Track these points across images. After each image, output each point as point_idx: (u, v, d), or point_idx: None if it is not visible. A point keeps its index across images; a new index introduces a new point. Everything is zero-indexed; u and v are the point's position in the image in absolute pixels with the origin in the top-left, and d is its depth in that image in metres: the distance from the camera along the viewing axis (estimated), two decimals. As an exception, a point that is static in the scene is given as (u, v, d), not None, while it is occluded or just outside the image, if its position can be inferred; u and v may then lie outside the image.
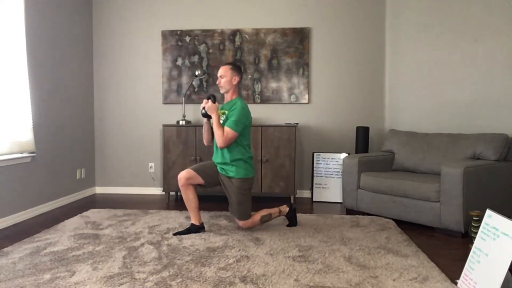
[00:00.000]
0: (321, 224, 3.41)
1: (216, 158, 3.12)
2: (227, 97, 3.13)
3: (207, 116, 3.05)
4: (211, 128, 3.15)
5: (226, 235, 3.05)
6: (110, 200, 4.49)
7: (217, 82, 3.13)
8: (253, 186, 4.29)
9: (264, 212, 3.19)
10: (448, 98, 4.07)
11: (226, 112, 3.05)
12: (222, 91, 3.12)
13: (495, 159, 3.39)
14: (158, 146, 4.90)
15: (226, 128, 2.95)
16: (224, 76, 3.07)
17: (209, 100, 3.02)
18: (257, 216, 3.15)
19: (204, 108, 3.03)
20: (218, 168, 3.11)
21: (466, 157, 3.55)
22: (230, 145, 3.00)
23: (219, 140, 2.94)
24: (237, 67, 3.12)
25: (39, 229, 3.27)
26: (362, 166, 3.84)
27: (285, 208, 3.31)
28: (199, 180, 3.04)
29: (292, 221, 3.33)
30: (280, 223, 3.42)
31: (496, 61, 3.71)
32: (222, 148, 3.00)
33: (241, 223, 3.09)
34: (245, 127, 3.03)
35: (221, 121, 3.02)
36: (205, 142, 3.21)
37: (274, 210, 3.24)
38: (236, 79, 3.09)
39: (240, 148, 3.05)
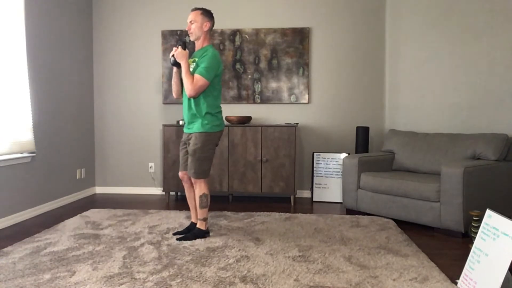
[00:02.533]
0: (321, 224, 3.41)
1: (185, 111, 2.93)
2: (198, 45, 2.94)
3: (176, 64, 2.86)
4: (181, 79, 2.97)
5: (226, 235, 3.05)
6: (110, 200, 4.49)
7: (186, 28, 2.94)
8: (253, 186, 4.29)
9: (209, 196, 2.94)
10: (448, 98, 4.07)
11: (197, 59, 2.88)
12: (192, 38, 2.92)
13: (495, 159, 3.39)
14: (158, 146, 4.90)
15: (196, 75, 2.78)
16: (194, 21, 2.88)
17: (179, 47, 2.83)
18: (206, 189, 2.90)
19: (173, 55, 2.84)
20: (185, 129, 2.95)
21: (466, 157, 3.55)
22: (199, 96, 2.83)
23: (188, 88, 2.77)
24: (208, 12, 2.94)
25: (39, 229, 3.27)
26: (362, 166, 3.84)
27: (205, 225, 2.98)
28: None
29: (189, 237, 2.94)
30: (281, 223, 3.42)
31: (496, 61, 3.71)
32: (191, 97, 2.82)
33: (193, 180, 2.88)
34: (216, 76, 2.86)
35: (191, 69, 2.85)
36: (174, 95, 3.03)
37: (207, 212, 2.96)
38: (207, 25, 2.90)
39: (209, 99, 2.86)
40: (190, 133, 2.91)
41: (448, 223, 3.13)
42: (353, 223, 3.43)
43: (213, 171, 4.35)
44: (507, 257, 1.82)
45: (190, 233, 2.97)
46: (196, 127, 2.87)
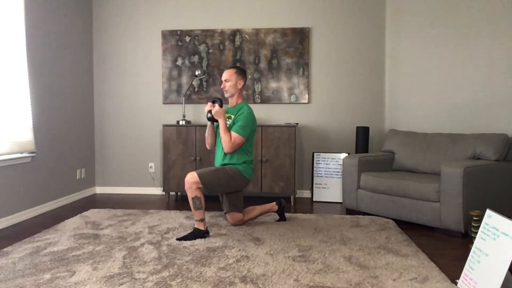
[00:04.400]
0: (321, 224, 3.41)
1: (218, 160, 3.13)
2: (232, 101, 3.13)
3: (213, 120, 3.03)
4: (215, 132, 3.14)
5: (226, 235, 3.05)
6: (110, 200, 4.49)
7: (221, 86, 3.11)
8: (253, 186, 4.29)
9: (203, 200, 2.90)
10: (448, 98, 4.07)
11: (232, 116, 3.04)
12: (226, 95, 3.11)
13: (495, 159, 3.39)
14: (158, 146, 4.90)
15: (234, 134, 2.94)
16: (229, 80, 3.05)
17: (216, 104, 2.99)
18: (199, 192, 2.89)
19: (210, 111, 3.00)
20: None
21: (466, 157, 3.55)
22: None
23: (226, 145, 2.94)
24: (242, 70, 3.11)
25: (39, 229, 3.27)
26: (362, 166, 3.84)
27: (203, 225, 2.96)
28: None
29: (185, 237, 2.93)
30: (281, 223, 3.42)
31: (496, 61, 3.71)
32: (228, 153, 3.00)
33: (190, 175, 2.87)
34: (251, 132, 3.03)
35: (228, 126, 3.01)
36: (208, 146, 3.20)
37: (203, 213, 2.94)
38: (241, 83, 3.08)
39: (244, 153, 3.06)
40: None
41: (448, 223, 3.13)
42: (353, 223, 3.43)
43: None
44: (507, 257, 1.82)
45: (190, 233, 2.97)
46: (229, 165, 3.04)
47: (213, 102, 3.01)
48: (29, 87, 3.70)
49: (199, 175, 2.89)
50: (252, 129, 3.02)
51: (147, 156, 4.91)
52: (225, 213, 3.25)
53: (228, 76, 3.05)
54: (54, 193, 4.13)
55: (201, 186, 2.90)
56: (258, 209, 3.36)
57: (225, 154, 3.05)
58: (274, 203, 3.43)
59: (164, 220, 3.49)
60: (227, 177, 3.01)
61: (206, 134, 3.17)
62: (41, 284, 2.15)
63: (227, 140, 2.92)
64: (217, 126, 3.15)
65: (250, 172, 3.11)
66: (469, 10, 3.90)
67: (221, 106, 2.99)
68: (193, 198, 2.91)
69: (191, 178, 2.89)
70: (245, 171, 3.07)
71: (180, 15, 4.82)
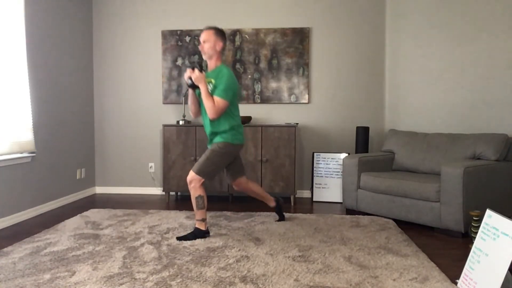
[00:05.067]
0: (321, 224, 3.41)
1: (207, 127, 3.01)
2: (211, 65, 2.98)
3: (194, 86, 2.89)
4: (198, 99, 3.02)
5: (226, 235, 3.05)
6: (110, 200, 4.49)
7: (199, 48, 2.96)
8: (209, 181, 4.28)
9: (205, 199, 2.91)
10: (448, 98, 4.07)
11: (213, 80, 2.90)
12: (205, 57, 2.95)
13: (495, 159, 3.39)
14: (158, 146, 4.90)
15: (216, 98, 2.82)
16: (207, 41, 2.90)
17: (195, 69, 2.85)
18: (202, 191, 2.88)
19: (190, 78, 2.86)
20: (208, 141, 3.05)
21: (466, 157, 3.55)
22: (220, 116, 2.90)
23: (210, 111, 2.82)
24: (221, 31, 2.96)
25: (39, 229, 3.27)
26: (362, 166, 3.84)
27: (204, 225, 2.97)
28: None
29: (185, 236, 2.95)
30: (281, 223, 3.42)
31: (496, 61, 3.71)
32: (213, 119, 2.88)
33: (191, 174, 2.88)
34: (234, 95, 2.91)
35: (210, 91, 2.88)
36: (192, 115, 3.09)
37: (204, 213, 2.96)
38: (220, 45, 2.93)
39: (229, 117, 2.93)
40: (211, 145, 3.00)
41: (448, 223, 3.13)
42: (353, 223, 3.43)
43: (213, 171, 4.35)
44: (507, 257, 1.82)
45: (190, 233, 2.97)
46: (217, 139, 2.95)
47: (193, 69, 2.87)
48: (29, 87, 3.70)
49: (198, 172, 2.88)
50: (234, 91, 2.89)
51: (147, 156, 4.91)
52: (231, 183, 3.23)
53: (206, 37, 2.91)
54: (54, 193, 4.13)
55: (203, 180, 2.89)
56: (261, 189, 3.34)
57: (211, 121, 2.93)
58: (274, 198, 3.43)
59: (164, 220, 3.49)
60: (221, 156, 2.92)
61: (189, 102, 3.04)
62: (41, 284, 2.15)
63: (210, 105, 2.81)
64: (200, 94, 3.00)
65: (240, 138, 2.99)
66: (469, 10, 3.90)
67: (200, 71, 2.85)
68: (196, 197, 2.90)
69: (192, 177, 2.89)
70: (234, 138, 2.95)
71: (180, 15, 4.82)
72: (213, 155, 2.91)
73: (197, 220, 2.96)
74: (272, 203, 3.42)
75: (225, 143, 2.93)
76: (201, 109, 3.05)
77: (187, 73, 2.89)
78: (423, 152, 3.85)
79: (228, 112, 2.93)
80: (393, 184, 3.48)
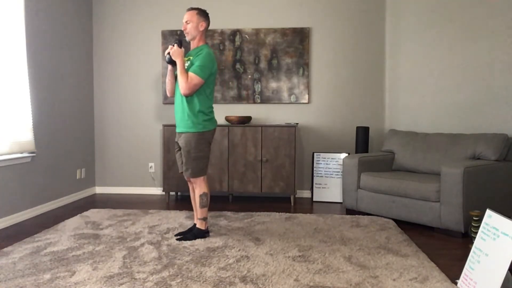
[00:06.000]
0: (321, 224, 3.41)
1: (177, 110, 2.92)
2: (193, 44, 2.95)
3: (172, 62, 2.85)
4: (176, 77, 2.96)
5: (226, 235, 3.05)
6: (110, 200, 4.49)
7: (182, 28, 2.93)
8: (253, 186, 4.29)
9: (208, 196, 2.96)
10: (448, 98, 4.07)
11: (192, 58, 2.87)
12: (188, 38, 2.92)
13: (495, 159, 3.39)
14: (158, 146, 4.90)
15: (191, 74, 2.77)
16: (190, 21, 2.88)
17: (175, 45, 2.82)
18: (206, 189, 2.93)
19: (169, 53, 2.83)
20: (177, 129, 2.95)
21: (466, 157, 3.55)
22: (192, 95, 2.83)
23: (182, 86, 2.76)
24: (204, 12, 2.94)
25: (39, 229, 3.27)
26: (362, 166, 3.83)
27: (205, 224, 2.99)
28: None
29: (189, 236, 2.95)
30: (281, 223, 3.42)
31: (496, 61, 3.71)
32: (186, 95, 2.80)
33: (192, 179, 2.91)
34: (211, 75, 2.85)
35: (186, 67, 2.84)
36: (168, 93, 3.02)
37: (207, 211, 2.97)
38: (203, 25, 2.90)
39: (202, 97, 2.86)
40: (182, 132, 2.90)
41: (448, 223, 3.13)
42: (353, 223, 3.43)
43: (213, 171, 4.35)
44: (507, 257, 1.82)
45: (190, 233, 2.97)
46: (188, 126, 2.85)
47: (174, 44, 2.84)
48: (29, 87, 3.70)
49: (194, 175, 2.87)
50: (211, 71, 2.84)
51: (147, 156, 4.91)
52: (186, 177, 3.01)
53: (189, 17, 2.88)
54: (54, 193, 4.13)
55: (203, 176, 2.89)
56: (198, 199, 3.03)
57: (183, 98, 2.84)
58: (200, 219, 2.99)
59: (164, 220, 3.49)
60: (202, 147, 2.86)
61: (167, 80, 2.99)
62: (41, 284, 2.15)
63: (183, 80, 2.75)
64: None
65: (211, 122, 2.91)
66: (469, 10, 3.90)
67: (180, 46, 2.82)
68: (200, 195, 2.91)
69: (193, 180, 2.91)
70: (206, 126, 2.87)
71: (180, 15, 4.82)
72: (195, 151, 2.85)
73: (199, 219, 2.95)
74: (195, 221, 3.06)
75: (199, 134, 2.85)
76: (176, 88, 2.96)
77: (168, 49, 2.86)
78: (423, 152, 3.85)
79: (201, 91, 2.84)
80: (393, 184, 3.48)
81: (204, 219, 2.96)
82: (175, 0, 4.82)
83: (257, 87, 4.72)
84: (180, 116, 2.90)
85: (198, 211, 2.94)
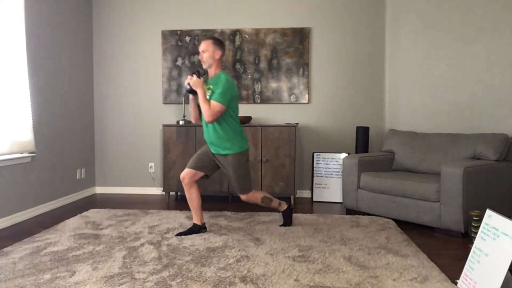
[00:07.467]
0: (321, 224, 3.41)
1: (208, 136, 3.05)
2: (211, 72, 3.06)
3: (192, 92, 2.98)
4: (198, 105, 3.08)
5: (226, 235, 3.05)
6: (110, 200, 4.49)
7: (199, 57, 3.05)
8: (253, 186, 4.29)
9: (267, 194, 3.21)
10: (448, 98, 4.07)
11: (211, 87, 2.98)
12: (204, 66, 3.04)
13: (495, 159, 3.39)
14: (158, 146, 4.90)
15: (213, 102, 2.88)
16: (206, 50, 2.99)
17: (194, 75, 2.94)
18: (260, 194, 3.17)
19: (189, 84, 2.96)
20: (211, 149, 3.06)
21: (466, 157, 3.55)
22: (219, 120, 2.95)
23: (206, 114, 2.87)
24: (219, 41, 3.05)
25: (39, 229, 3.27)
26: (362, 166, 3.83)
27: (284, 206, 3.32)
28: (200, 174, 3.06)
29: (286, 221, 3.34)
30: (280, 223, 3.42)
31: (496, 61, 3.71)
32: (210, 122, 2.93)
33: (243, 197, 3.10)
34: (232, 99, 2.96)
35: (208, 97, 2.95)
36: (193, 120, 3.16)
37: (275, 200, 3.26)
38: (218, 54, 3.01)
39: (230, 121, 2.99)
40: (221, 155, 3.03)
41: (448, 223, 3.13)
42: (353, 223, 3.43)
43: (213, 171, 4.35)
44: (507, 257, 1.82)
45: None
46: (228, 149, 3.00)
47: (192, 74, 2.97)
48: (29, 87, 3.70)
49: (244, 192, 3.08)
50: (232, 96, 2.95)
51: (147, 156, 4.91)
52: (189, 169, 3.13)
53: (205, 47, 3.00)
54: (54, 193, 4.13)
55: (251, 191, 3.13)
56: (198, 202, 3.17)
57: (216, 125, 2.98)
58: (199, 221, 3.15)
59: (164, 220, 3.49)
60: (243, 166, 3.04)
61: (190, 108, 3.13)
62: (41, 284, 2.15)
63: (206, 108, 2.87)
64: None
65: (244, 141, 3.07)
66: (469, 10, 3.90)
67: (198, 77, 2.94)
68: (262, 201, 3.17)
69: (245, 197, 3.11)
70: (241, 147, 3.03)
71: (180, 15, 4.82)
72: (239, 171, 3.02)
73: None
74: (194, 220, 3.15)
75: (238, 155, 3.02)
76: (201, 117, 3.11)
77: (187, 80, 2.98)
78: (423, 152, 3.85)
79: (227, 116, 2.98)
80: (393, 184, 3.48)
81: (280, 204, 3.28)
82: (175, 0, 4.82)
83: (257, 87, 4.72)
84: (215, 140, 3.02)
85: (273, 205, 3.23)
